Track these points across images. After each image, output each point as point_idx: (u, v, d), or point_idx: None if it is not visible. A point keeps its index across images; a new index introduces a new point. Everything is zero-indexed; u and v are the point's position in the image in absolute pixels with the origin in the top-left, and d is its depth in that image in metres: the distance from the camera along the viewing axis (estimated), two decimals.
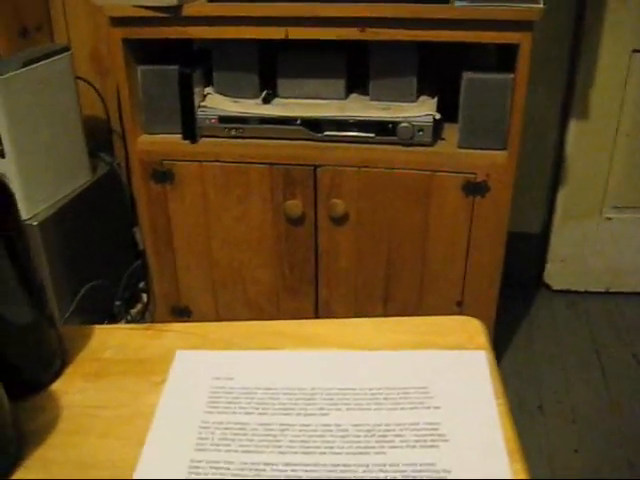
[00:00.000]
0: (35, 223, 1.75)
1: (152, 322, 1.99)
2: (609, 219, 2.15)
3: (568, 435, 1.74)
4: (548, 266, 2.27)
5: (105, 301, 2.06)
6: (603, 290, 2.26)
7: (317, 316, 1.79)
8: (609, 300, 2.23)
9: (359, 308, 1.76)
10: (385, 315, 1.75)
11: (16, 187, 1.70)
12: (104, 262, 2.06)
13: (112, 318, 2.06)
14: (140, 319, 2.13)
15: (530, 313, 2.20)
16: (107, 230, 2.08)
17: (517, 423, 1.63)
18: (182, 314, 1.86)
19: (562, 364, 1.98)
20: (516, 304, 2.22)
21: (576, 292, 2.27)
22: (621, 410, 1.81)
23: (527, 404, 1.84)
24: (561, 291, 2.28)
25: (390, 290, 1.73)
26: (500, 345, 2.03)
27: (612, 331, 2.10)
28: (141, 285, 2.20)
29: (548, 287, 2.30)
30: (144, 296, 2.18)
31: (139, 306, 2.18)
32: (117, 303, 2.07)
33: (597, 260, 2.21)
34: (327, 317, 1.78)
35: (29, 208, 1.76)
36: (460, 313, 1.71)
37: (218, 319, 1.84)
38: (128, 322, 2.08)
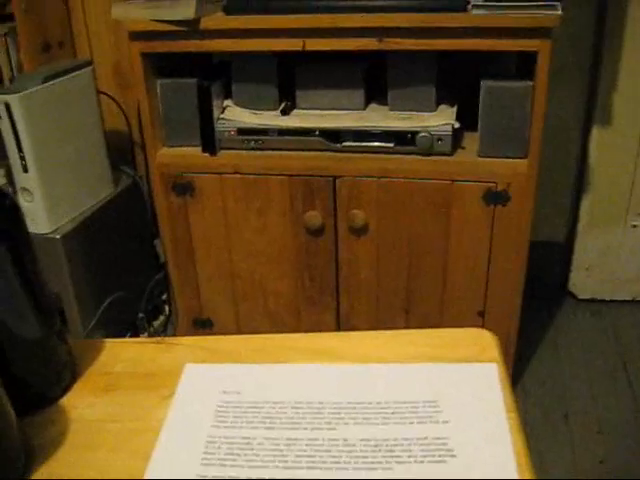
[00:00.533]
0: (58, 236, 1.77)
1: (174, 334, 1.99)
2: (634, 226, 2.12)
3: (594, 446, 1.72)
4: (573, 275, 2.24)
5: (128, 313, 2.07)
6: (629, 299, 2.23)
7: (338, 327, 1.78)
8: (635, 309, 2.20)
9: (380, 319, 1.76)
10: (407, 326, 1.74)
11: (39, 201, 1.72)
12: (127, 275, 2.07)
13: (135, 330, 2.07)
14: (162, 331, 2.14)
15: (555, 322, 2.17)
16: (129, 243, 2.09)
17: (542, 433, 1.62)
18: (204, 326, 1.87)
19: (587, 374, 1.95)
20: (540, 314, 2.20)
21: (601, 301, 2.25)
22: None
23: (552, 414, 1.82)
24: (586, 300, 2.25)
25: (411, 301, 1.72)
26: (524, 355, 2.01)
27: (639, 340, 2.07)
28: (163, 297, 2.21)
29: (573, 296, 2.27)
30: (166, 308, 2.19)
31: (161, 318, 2.19)
32: (140, 315, 2.08)
33: (623, 268, 2.19)
34: (348, 328, 1.78)
35: (52, 222, 1.77)
36: (483, 324, 1.69)
37: (239, 331, 1.84)
38: (151, 334, 2.08)
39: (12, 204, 0.56)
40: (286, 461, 0.53)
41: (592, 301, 2.25)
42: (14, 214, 0.56)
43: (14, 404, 0.54)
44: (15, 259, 0.56)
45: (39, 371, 0.61)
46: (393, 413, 0.57)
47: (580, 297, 2.26)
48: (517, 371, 1.94)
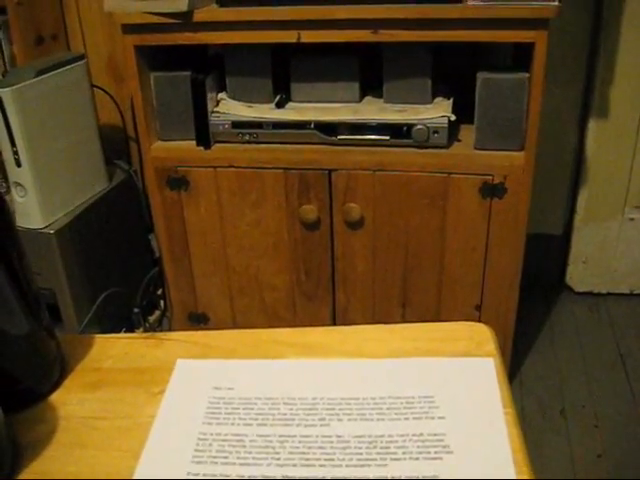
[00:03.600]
0: (52, 231, 1.75)
1: (170, 329, 1.98)
2: (631, 219, 2.11)
3: (591, 440, 1.71)
4: (570, 268, 2.23)
5: (123, 308, 2.06)
6: (627, 292, 2.23)
7: (334, 322, 1.77)
8: (633, 302, 2.20)
9: (377, 313, 1.75)
10: (404, 319, 1.74)
11: (32, 196, 1.70)
12: (122, 269, 2.06)
13: (130, 326, 2.06)
14: (158, 326, 2.13)
15: (552, 316, 2.17)
16: (124, 237, 2.08)
17: (539, 428, 1.61)
18: (199, 321, 1.86)
19: (585, 368, 1.94)
20: (537, 307, 2.19)
21: (599, 294, 2.24)
22: None
23: (549, 408, 1.81)
24: (583, 293, 2.25)
25: (408, 294, 1.71)
26: (521, 348, 2.00)
27: (636, 334, 2.06)
28: (159, 292, 2.20)
29: (570, 289, 2.26)
30: (162, 303, 2.18)
31: (157, 313, 2.18)
32: (135, 310, 2.07)
33: (620, 261, 2.18)
34: (344, 323, 1.77)
35: (46, 216, 1.76)
36: (479, 317, 1.69)
37: (235, 326, 1.83)
38: (146, 330, 2.07)
39: None
40: (279, 458, 0.52)
41: (589, 294, 2.24)
42: None
43: (2, 401, 0.53)
44: (1, 253, 0.54)
45: (27, 367, 0.59)
46: (388, 409, 0.55)
47: (577, 290, 2.25)
48: (514, 365, 1.93)
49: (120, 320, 2.05)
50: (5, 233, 0.55)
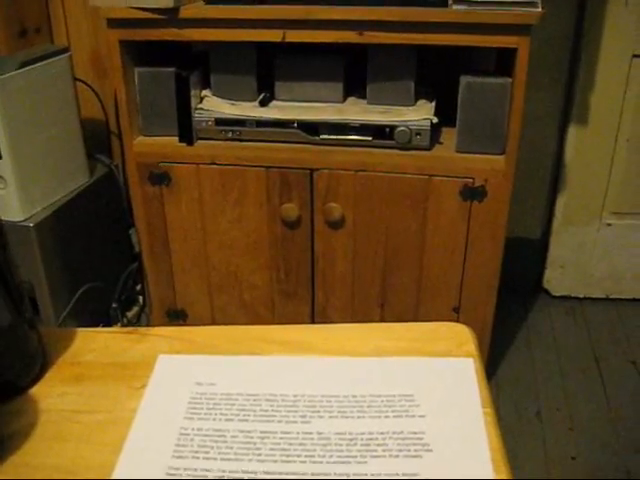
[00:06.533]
0: (32, 224, 1.74)
1: (148, 325, 1.98)
2: (609, 225, 2.14)
3: (566, 442, 1.73)
4: (547, 272, 2.26)
5: (101, 303, 2.05)
6: (603, 296, 2.25)
7: (313, 321, 1.78)
8: (609, 307, 2.22)
9: (356, 313, 1.75)
10: (382, 320, 1.74)
11: (13, 188, 1.69)
12: (101, 264, 2.05)
13: (107, 321, 2.05)
14: (136, 322, 2.13)
15: (529, 319, 2.19)
16: (104, 232, 2.07)
17: (515, 430, 1.63)
18: (178, 317, 1.85)
19: (561, 371, 1.96)
20: (515, 310, 2.21)
21: (575, 298, 2.26)
22: (619, 418, 1.79)
23: (525, 411, 1.83)
24: (560, 297, 2.27)
25: (387, 295, 1.72)
26: (498, 351, 2.02)
27: (611, 338, 2.09)
28: (138, 288, 2.19)
29: (547, 293, 2.29)
30: (140, 299, 2.17)
31: (135, 309, 2.17)
32: (113, 306, 2.06)
33: (597, 266, 2.20)
34: (323, 322, 1.77)
35: (26, 209, 1.75)
36: (457, 319, 1.70)
37: (214, 323, 1.83)
38: (124, 325, 2.07)
39: None
40: (260, 454, 0.52)
41: (566, 298, 2.26)
42: None
43: None
44: None
45: (9, 359, 0.59)
46: (369, 406, 0.56)
47: (554, 294, 2.28)
48: (490, 367, 1.95)
49: (98, 315, 2.04)
50: None
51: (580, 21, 1.91)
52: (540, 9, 1.37)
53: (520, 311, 2.22)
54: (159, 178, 1.67)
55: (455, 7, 1.40)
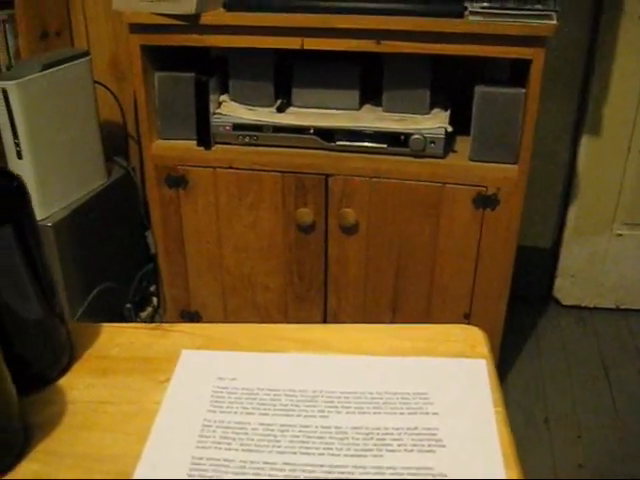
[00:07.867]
0: (50, 224, 1.77)
1: None
2: (620, 235, 2.15)
3: (573, 450, 1.74)
4: (558, 281, 2.27)
5: (116, 303, 2.08)
6: (613, 307, 2.26)
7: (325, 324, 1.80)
8: (618, 317, 2.23)
9: (367, 317, 1.77)
10: None
11: (32, 188, 1.71)
12: (116, 265, 2.07)
13: (122, 321, 2.07)
14: (150, 323, 2.15)
15: (539, 328, 2.20)
16: (120, 233, 2.10)
17: (523, 436, 1.63)
18: (191, 319, 1.88)
19: (569, 379, 1.97)
20: (525, 318, 2.23)
21: (585, 308, 2.27)
22: (627, 426, 1.81)
23: (533, 417, 1.84)
24: (570, 306, 2.28)
25: (398, 300, 1.74)
26: (507, 358, 2.03)
27: (620, 348, 2.10)
28: (152, 289, 2.22)
29: (557, 302, 2.30)
30: (154, 300, 2.19)
31: (149, 309, 2.19)
32: (127, 306, 2.09)
33: (607, 276, 2.21)
34: None
35: (44, 209, 1.78)
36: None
37: None
38: None
39: (20, 186, 0.57)
40: (279, 446, 0.54)
41: (576, 308, 2.27)
42: (21, 196, 0.57)
43: (14, 383, 0.55)
44: (20, 240, 0.57)
45: (39, 351, 0.62)
46: (384, 403, 0.58)
47: (564, 303, 2.29)
48: (500, 374, 1.95)
49: (112, 315, 2.07)
50: (26, 221, 0.57)
51: (594, 34, 1.93)
52: (555, 21, 1.39)
53: (530, 319, 2.23)
54: (176, 181, 1.69)
55: (471, 18, 1.42)
